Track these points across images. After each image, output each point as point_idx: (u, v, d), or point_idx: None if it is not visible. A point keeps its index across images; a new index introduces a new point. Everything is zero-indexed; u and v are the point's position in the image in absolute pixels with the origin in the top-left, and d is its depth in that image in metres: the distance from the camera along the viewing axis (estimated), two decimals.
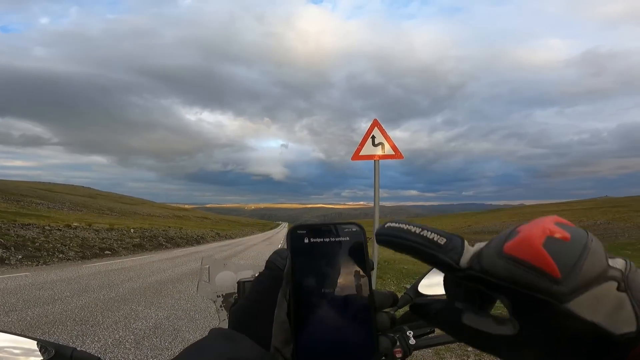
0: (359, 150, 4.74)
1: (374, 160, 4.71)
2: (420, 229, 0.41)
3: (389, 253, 22.20)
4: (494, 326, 0.35)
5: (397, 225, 0.42)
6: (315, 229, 0.55)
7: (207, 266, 0.90)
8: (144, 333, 4.21)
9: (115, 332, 4.24)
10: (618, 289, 0.33)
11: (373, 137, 4.70)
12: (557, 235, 0.34)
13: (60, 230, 15.99)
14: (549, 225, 0.34)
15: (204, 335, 0.41)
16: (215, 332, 0.43)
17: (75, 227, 18.14)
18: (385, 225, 0.43)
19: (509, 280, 0.35)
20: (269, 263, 0.51)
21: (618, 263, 0.33)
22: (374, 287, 0.48)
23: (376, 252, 4.95)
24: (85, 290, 6.57)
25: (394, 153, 4.66)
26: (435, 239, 0.40)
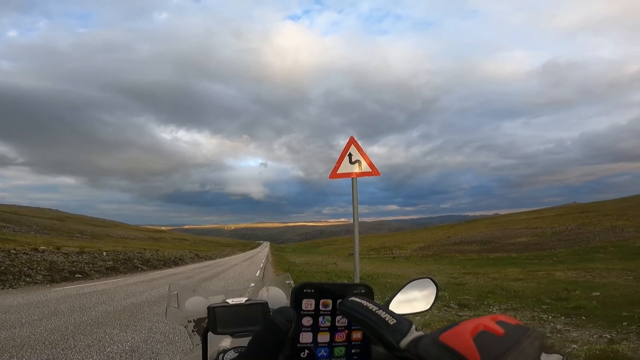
0: (336, 168, 4.75)
1: (352, 178, 4.72)
2: (376, 308, 0.48)
3: (372, 268, 22.15)
4: None
5: (358, 301, 0.50)
6: (324, 289, 0.56)
7: (176, 292, 0.88)
8: (120, 357, 3.94)
9: (89, 356, 3.95)
10: None
11: (350, 155, 4.73)
12: (491, 330, 0.38)
13: (27, 253, 15.06)
14: (487, 321, 0.39)
15: None
16: None
17: (43, 251, 17.11)
18: (350, 299, 0.48)
19: None
20: (270, 323, 0.50)
21: (552, 358, 0.37)
22: None
23: (357, 267, 4.92)
24: (54, 314, 6.19)
25: (370, 170, 4.70)
26: (386, 319, 0.46)
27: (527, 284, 10.11)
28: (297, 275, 14.36)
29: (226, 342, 0.86)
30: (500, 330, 0.37)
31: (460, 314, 6.13)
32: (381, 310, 0.49)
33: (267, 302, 0.77)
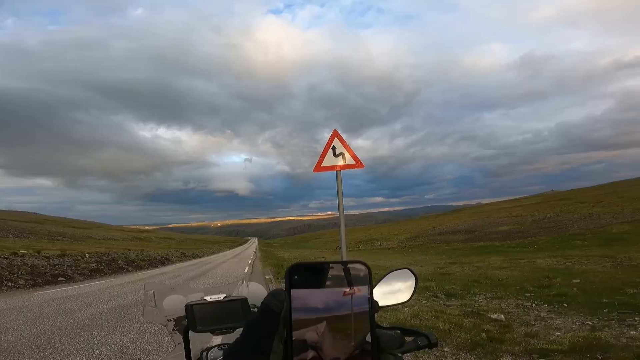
0: (320, 161, 4.74)
1: (336, 171, 4.73)
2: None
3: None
4: None
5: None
6: (317, 268, 0.54)
7: (152, 291, 0.87)
8: (110, 359, 3.90)
9: (77, 359, 3.90)
10: None
11: (334, 148, 4.73)
12: None
13: (7, 258, 14.54)
14: None
15: None
16: None
17: (23, 255, 16.53)
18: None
19: None
20: (264, 306, 0.49)
21: None
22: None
23: (345, 259, 4.92)
24: (39, 318, 6.06)
25: (354, 163, 4.71)
26: None
27: (510, 272, 10.43)
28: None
29: (210, 339, 0.85)
30: None
31: (447, 303, 6.29)
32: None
33: (246, 298, 0.77)
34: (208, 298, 0.77)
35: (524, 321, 4.77)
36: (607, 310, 5.12)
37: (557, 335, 4.00)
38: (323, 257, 25.80)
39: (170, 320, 0.86)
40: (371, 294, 0.54)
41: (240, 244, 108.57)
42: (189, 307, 0.75)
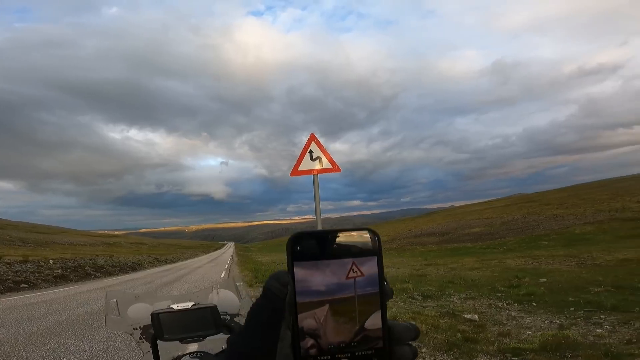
0: (297, 165, 4.75)
1: (313, 175, 4.75)
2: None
3: None
4: None
5: None
6: (321, 237, 0.48)
7: (114, 300, 0.85)
8: None
9: None
10: None
11: (311, 152, 4.74)
12: None
13: None
14: None
15: None
16: None
17: None
18: None
19: None
20: (267, 291, 0.45)
21: None
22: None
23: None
24: (1, 325, 5.76)
25: (331, 167, 4.75)
26: None
27: (482, 273, 10.79)
28: (263, 274, 14.21)
29: (182, 347, 0.83)
30: None
31: (424, 304, 6.41)
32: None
33: (216, 306, 0.77)
34: (175, 306, 0.75)
35: (496, 321, 4.94)
36: (573, 308, 5.39)
37: (528, 334, 4.16)
38: None
39: (137, 328, 0.84)
40: (381, 265, 0.49)
41: (216, 249, 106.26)
42: (155, 316, 0.73)
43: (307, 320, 0.48)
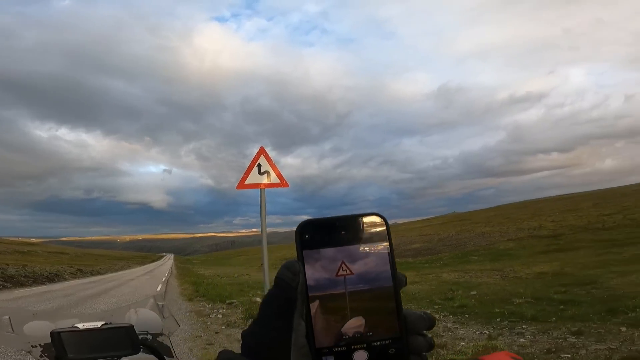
0: (244, 178, 4.67)
1: (260, 189, 4.70)
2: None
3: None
4: None
5: None
6: (329, 225, 0.47)
7: (7, 317, 0.81)
8: None
9: None
10: None
11: (259, 165, 4.70)
12: None
13: None
14: None
15: None
16: (224, 358, 0.37)
17: None
18: None
19: None
20: (279, 280, 0.44)
21: None
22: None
23: (267, 278, 4.86)
24: None
25: (279, 181, 4.72)
26: None
27: (421, 286, 11.37)
28: (205, 288, 13.48)
29: None
30: None
31: None
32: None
33: (132, 326, 0.74)
34: (81, 325, 0.71)
35: (434, 332, 5.20)
36: (499, 319, 5.88)
37: (462, 345, 4.43)
38: (247, 275, 24.83)
39: (36, 346, 0.79)
40: (392, 251, 0.48)
41: (153, 261, 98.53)
42: (56, 335, 0.69)
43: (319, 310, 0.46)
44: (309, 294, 0.46)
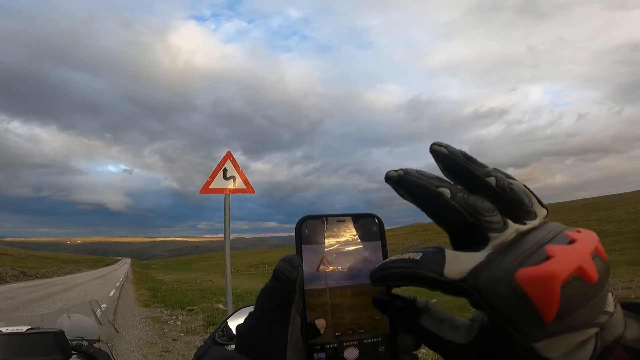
0: (208, 183, 4.51)
1: (225, 194, 4.57)
2: (400, 255, 0.42)
3: (251, 284, 21.57)
4: (447, 331, 0.35)
5: (387, 260, 0.43)
6: (329, 222, 0.49)
7: None
8: None
9: None
10: (596, 334, 0.29)
11: (225, 170, 4.56)
12: (584, 277, 0.29)
13: None
14: (585, 258, 0.29)
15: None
16: (215, 355, 0.37)
17: None
18: (381, 264, 0.43)
19: (497, 309, 0.30)
20: (277, 273, 0.44)
21: (610, 305, 0.30)
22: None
23: (229, 284, 4.77)
24: None
25: (245, 187, 4.62)
26: (411, 257, 0.36)
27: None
28: (164, 294, 12.87)
29: None
30: (594, 276, 0.28)
31: None
32: (405, 253, 0.40)
33: (62, 331, 0.72)
34: (4, 329, 0.69)
35: None
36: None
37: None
38: (211, 281, 24.04)
39: None
40: (385, 250, 0.49)
41: (107, 264, 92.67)
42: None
43: (314, 305, 0.47)
44: (305, 286, 0.47)
